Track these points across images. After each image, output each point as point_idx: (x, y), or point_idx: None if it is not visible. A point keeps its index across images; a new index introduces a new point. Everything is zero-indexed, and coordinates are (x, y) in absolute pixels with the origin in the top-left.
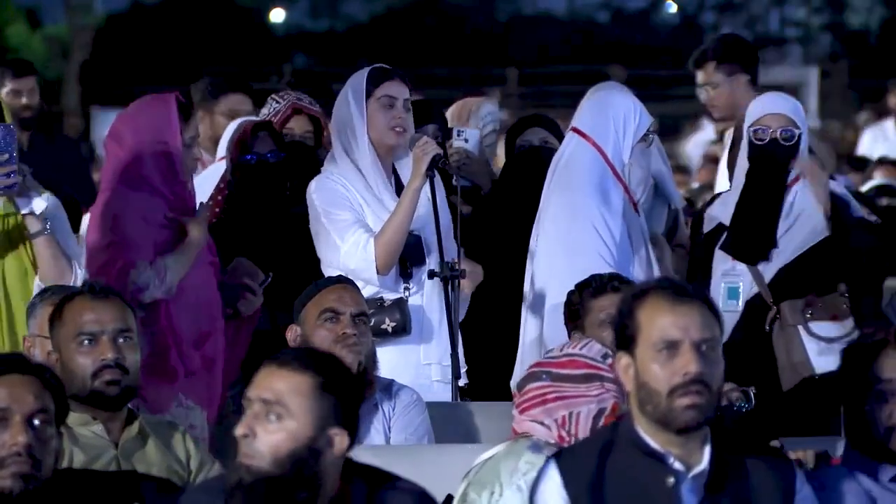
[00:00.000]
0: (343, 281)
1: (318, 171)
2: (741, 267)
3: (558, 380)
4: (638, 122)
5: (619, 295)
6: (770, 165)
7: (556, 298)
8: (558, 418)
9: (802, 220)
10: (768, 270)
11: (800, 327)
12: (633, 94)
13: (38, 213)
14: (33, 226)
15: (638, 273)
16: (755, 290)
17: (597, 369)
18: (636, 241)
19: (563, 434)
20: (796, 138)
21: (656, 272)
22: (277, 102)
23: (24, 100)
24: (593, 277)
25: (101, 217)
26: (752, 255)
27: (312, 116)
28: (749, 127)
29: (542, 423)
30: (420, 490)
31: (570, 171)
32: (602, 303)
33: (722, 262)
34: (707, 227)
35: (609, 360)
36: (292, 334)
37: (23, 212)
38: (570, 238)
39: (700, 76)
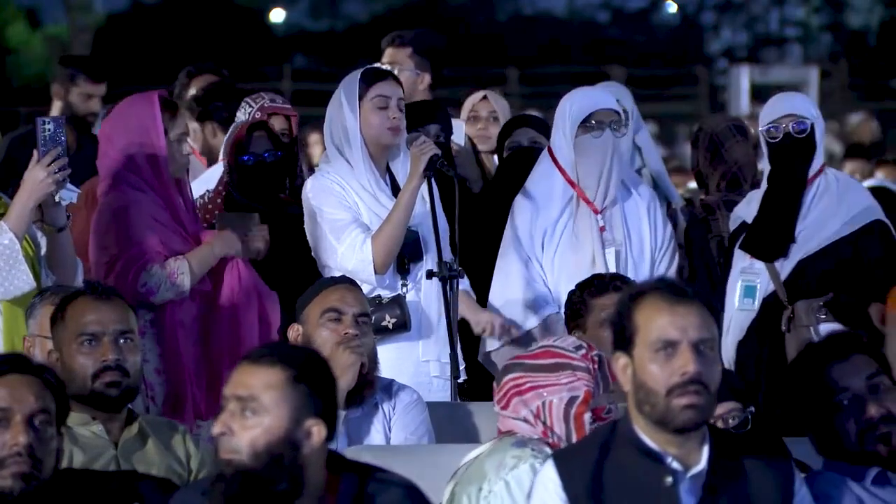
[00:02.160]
0: (346, 281)
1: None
2: (759, 265)
3: (530, 370)
4: (570, 115)
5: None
6: (790, 160)
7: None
8: (533, 409)
9: (821, 216)
10: (785, 268)
11: (811, 329)
12: (594, 89)
13: (65, 205)
14: (61, 219)
15: (582, 275)
16: (772, 288)
17: (567, 358)
18: (584, 241)
19: (540, 426)
20: (810, 129)
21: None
22: (250, 106)
23: (92, 106)
24: (594, 277)
25: (108, 218)
26: (769, 251)
27: (285, 115)
28: (762, 129)
29: (524, 420)
30: (410, 483)
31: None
32: (604, 301)
33: (740, 260)
34: (732, 226)
35: (582, 352)
36: (293, 333)
37: (62, 203)
38: (500, 248)
39: (389, 54)
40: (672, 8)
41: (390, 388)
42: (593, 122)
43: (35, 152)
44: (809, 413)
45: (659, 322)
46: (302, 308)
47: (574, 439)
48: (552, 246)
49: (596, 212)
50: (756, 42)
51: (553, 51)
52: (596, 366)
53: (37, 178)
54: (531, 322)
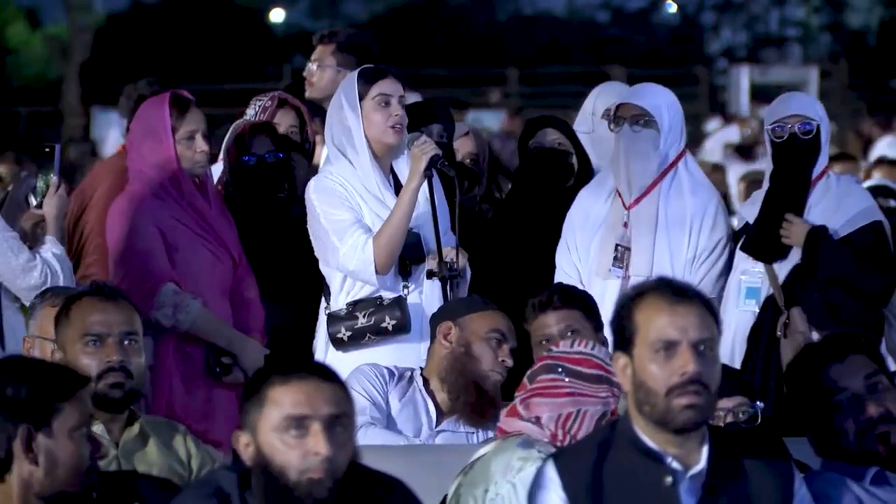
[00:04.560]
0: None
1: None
2: (760, 267)
3: (573, 376)
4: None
5: (560, 312)
6: (792, 161)
7: None
8: (563, 414)
9: (819, 218)
10: (783, 271)
11: (804, 335)
12: (639, 86)
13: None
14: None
15: (603, 268)
16: (770, 291)
17: (607, 372)
18: (610, 235)
19: (559, 433)
20: (815, 131)
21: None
22: (260, 100)
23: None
24: (545, 292)
25: (119, 221)
26: (768, 251)
27: (296, 110)
28: (767, 127)
29: (533, 422)
30: (400, 482)
31: None
32: (544, 320)
33: (742, 262)
34: (736, 226)
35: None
36: (445, 330)
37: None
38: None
39: (317, 51)
40: (672, 8)
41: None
42: (616, 117)
43: (53, 177)
44: (808, 413)
45: (658, 322)
46: (462, 313)
47: None
48: (589, 237)
49: (625, 207)
50: (756, 42)
51: (553, 51)
52: None
53: (65, 199)
54: None
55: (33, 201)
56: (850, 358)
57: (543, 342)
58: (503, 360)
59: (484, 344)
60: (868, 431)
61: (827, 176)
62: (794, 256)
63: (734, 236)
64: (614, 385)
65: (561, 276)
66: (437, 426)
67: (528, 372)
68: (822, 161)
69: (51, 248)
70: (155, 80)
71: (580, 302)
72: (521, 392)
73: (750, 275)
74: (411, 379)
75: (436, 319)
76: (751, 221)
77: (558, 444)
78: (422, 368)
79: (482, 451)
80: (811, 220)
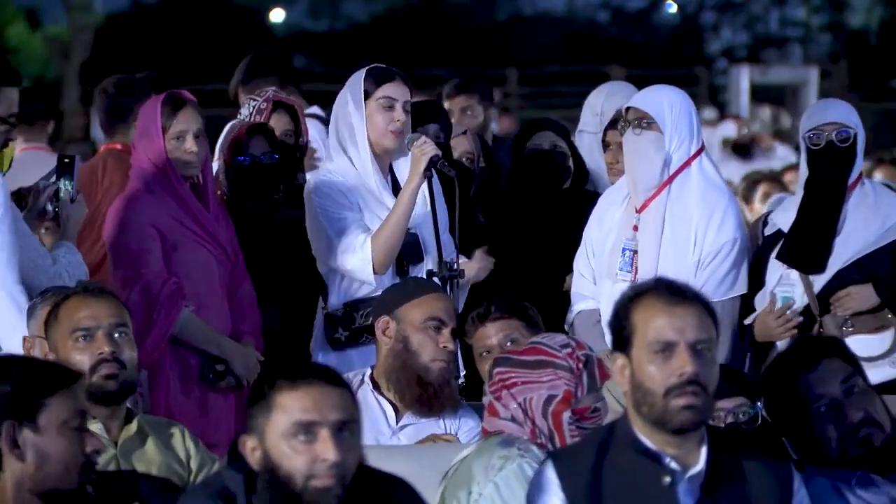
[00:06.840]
0: (440, 290)
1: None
2: (795, 276)
3: (516, 366)
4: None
5: (498, 323)
6: (829, 169)
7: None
8: (521, 401)
9: (856, 227)
10: (819, 280)
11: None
12: (649, 89)
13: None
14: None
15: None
16: (806, 301)
17: (551, 356)
18: (619, 239)
19: (533, 424)
20: (852, 139)
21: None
22: (255, 100)
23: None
24: (483, 304)
25: (116, 220)
26: (806, 262)
27: (290, 110)
28: (804, 134)
29: (512, 419)
30: (404, 481)
31: None
32: (484, 332)
33: (776, 270)
34: (767, 232)
35: (567, 351)
36: (383, 325)
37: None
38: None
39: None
40: (672, 8)
41: (455, 408)
42: (624, 119)
43: (75, 190)
44: (788, 423)
45: (656, 323)
46: (397, 304)
47: (555, 437)
48: (603, 240)
49: (636, 210)
50: (756, 42)
51: (553, 51)
52: (581, 365)
53: (83, 208)
54: (569, 318)
55: (50, 209)
56: (823, 363)
57: (484, 354)
58: (444, 346)
59: (422, 334)
60: (850, 436)
61: (862, 183)
62: (831, 268)
63: (766, 242)
64: (561, 368)
65: (576, 278)
66: (398, 423)
67: (489, 369)
68: (858, 168)
69: (69, 254)
70: (125, 78)
71: (519, 311)
72: (488, 391)
73: (784, 284)
74: (362, 382)
75: (374, 313)
76: (784, 229)
77: (538, 440)
78: (372, 368)
79: (463, 453)
80: (846, 230)
